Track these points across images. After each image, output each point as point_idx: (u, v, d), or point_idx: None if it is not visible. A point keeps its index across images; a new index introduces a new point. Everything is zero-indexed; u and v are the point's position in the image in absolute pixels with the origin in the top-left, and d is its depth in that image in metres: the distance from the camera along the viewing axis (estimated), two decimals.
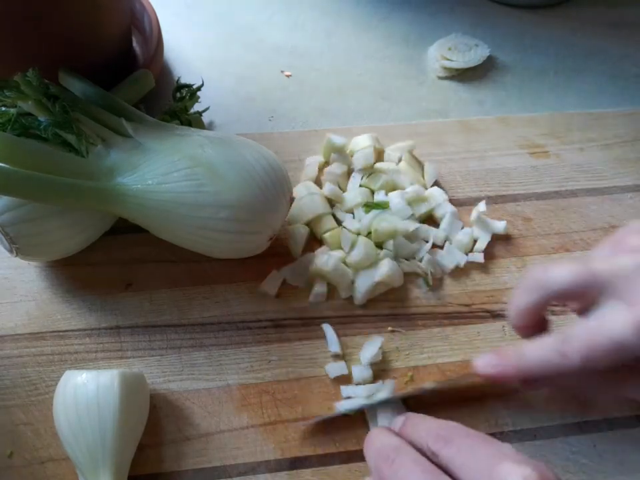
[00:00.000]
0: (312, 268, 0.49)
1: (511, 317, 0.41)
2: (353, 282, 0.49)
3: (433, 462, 0.33)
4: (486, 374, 0.39)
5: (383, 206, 0.52)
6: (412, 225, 0.51)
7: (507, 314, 0.41)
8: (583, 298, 0.38)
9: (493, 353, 0.40)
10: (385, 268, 0.48)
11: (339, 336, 0.47)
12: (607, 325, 0.35)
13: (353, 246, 0.50)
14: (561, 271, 0.38)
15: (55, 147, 0.46)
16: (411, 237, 0.51)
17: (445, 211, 0.53)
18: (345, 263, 0.49)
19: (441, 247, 0.52)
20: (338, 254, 0.50)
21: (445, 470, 0.32)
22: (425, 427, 0.36)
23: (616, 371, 0.37)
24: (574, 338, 0.36)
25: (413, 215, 0.52)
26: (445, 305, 0.49)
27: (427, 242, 0.51)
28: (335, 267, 0.48)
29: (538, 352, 0.38)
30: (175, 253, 0.50)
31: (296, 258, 0.51)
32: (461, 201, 0.55)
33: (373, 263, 0.49)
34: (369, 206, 0.52)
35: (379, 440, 0.36)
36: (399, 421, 0.38)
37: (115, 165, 0.46)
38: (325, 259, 0.49)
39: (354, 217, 0.53)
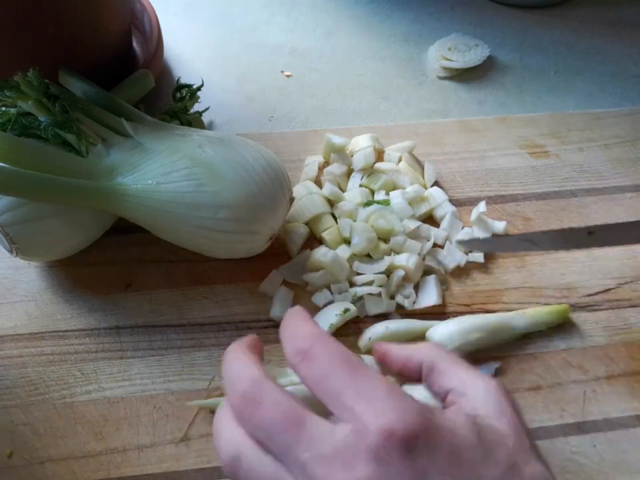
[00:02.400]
0: (310, 261, 0.49)
1: None
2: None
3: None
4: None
5: (383, 203, 0.52)
6: (410, 224, 0.51)
7: None
8: None
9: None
10: (410, 263, 0.48)
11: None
12: None
13: (351, 232, 0.50)
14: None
15: (55, 146, 0.46)
16: (411, 235, 0.51)
17: (445, 211, 0.53)
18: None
19: (442, 247, 0.52)
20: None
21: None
22: (290, 331, 0.33)
23: None
24: None
25: (413, 215, 0.52)
26: (445, 304, 0.49)
27: (429, 240, 0.51)
28: (333, 259, 0.48)
29: None
30: (175, 252, 0.50)
31: (293, 257, 0.51)
32: (461, 201, 0.55)
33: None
34: (370, 203, 0.52)
35: (239, 367, 0.31)
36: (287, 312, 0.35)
37: (114, 165, 0.46)
38: (324, 252, 0.49)
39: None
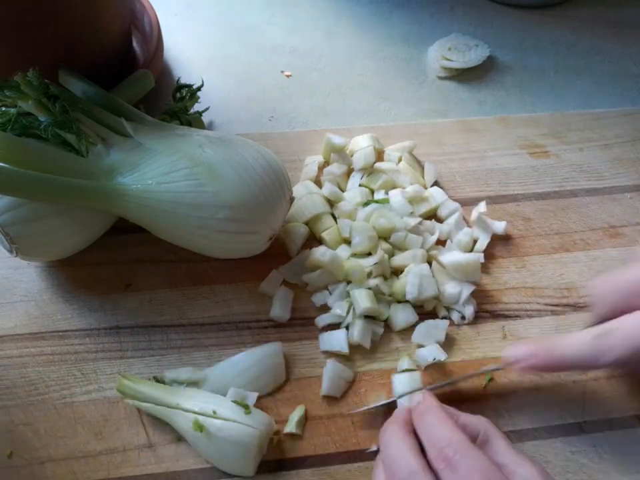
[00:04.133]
0: (309, 260, 0.49)
1: None
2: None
3: None
4: (514, 367, 0.40)
5: (382, 202, 0.52)
6: (411, 221, 0.51)
7: None
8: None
9: (524, 345, 0.40)
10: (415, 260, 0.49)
11: None
12: None
13: (351, 232, 0.50)
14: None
15: (55, 146, 0.46)
16: (412, 232, 0.51)
17: (450, 210, 0.53)
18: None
19: (443, 243, 0.52)
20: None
21: None
22: (432, 430, 0.36)
23: None
24: (611, 337, 0.37)
25: (412, 212, 0.52)
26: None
27: (432, 234, 0.51)
28: (331, 259, 0.48)
29: (572, 348, 0.39)
30: (175, 252, 0.50)
31: (293, 257, 0.51)
32: (461, 201, 0.55)
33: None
34: (368, 203, 0.52)
35: (397, 452, 0.36)
36: (416, 402, 0.39)
37: (114, 165, 0.46)
38: (323, 251, 0.49)
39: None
